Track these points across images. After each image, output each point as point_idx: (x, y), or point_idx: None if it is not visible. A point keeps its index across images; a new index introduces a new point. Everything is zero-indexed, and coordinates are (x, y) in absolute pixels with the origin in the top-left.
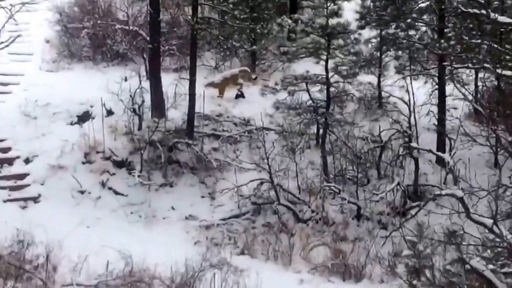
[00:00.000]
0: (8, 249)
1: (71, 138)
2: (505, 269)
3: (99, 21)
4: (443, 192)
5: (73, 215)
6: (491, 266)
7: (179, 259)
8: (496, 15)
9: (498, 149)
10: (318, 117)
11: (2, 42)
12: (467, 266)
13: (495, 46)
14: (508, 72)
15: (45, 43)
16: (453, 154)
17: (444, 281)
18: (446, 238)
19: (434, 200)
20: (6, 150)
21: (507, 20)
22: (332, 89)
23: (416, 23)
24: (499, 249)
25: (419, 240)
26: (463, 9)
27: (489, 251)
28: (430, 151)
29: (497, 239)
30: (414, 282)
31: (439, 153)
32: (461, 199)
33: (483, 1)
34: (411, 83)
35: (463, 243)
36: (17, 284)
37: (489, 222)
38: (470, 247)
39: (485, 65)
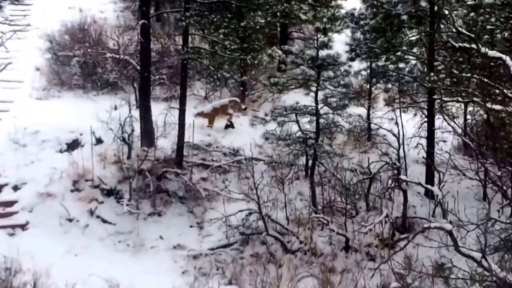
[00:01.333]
0: None
1: (60, 165)
2: None
3: (89, 50)
4: (432, 225)
5: (60, 243)
6: None
7: None
8: (486, 49)
9: (487, 183)
10: (307, 148)
11: None
12: None
13: (485, 80)
14: (497, 106)
15: (35, 70)
16: (442, 187)
17: None
18: (435, 271)
19: (423, 232)
20: None
21: (497, 54)
22: (321, 120)
23: (406, 56)
24: (488, 283)
25: (408, 272)
26: (453, 43)
27: (477, 284)
28: (419, 183)
29: (486, 273)
30: None
31: (428, 186)
32: (450, 232)
33: (473, 36)
34: (400, 115)
35: (452, 276)
36: None
37: (477, 255)
38: (459, 281)
39: (475, 98)
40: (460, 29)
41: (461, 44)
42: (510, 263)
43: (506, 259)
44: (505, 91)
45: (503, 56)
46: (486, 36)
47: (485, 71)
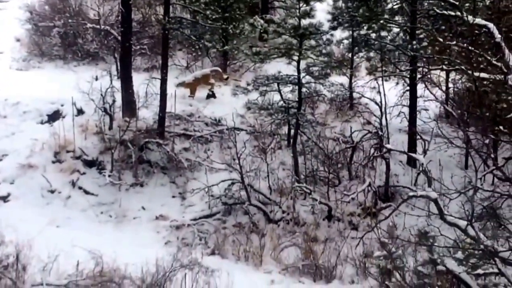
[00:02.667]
0: None
1: (41, 137)
2: (478, 271)
3: (70, 20)
4: (418, 194)
5: (43, 215)
6: (462, 268)
7: (150, 259)
8: (469, 16)
9: (470, 151)
10: (290, 117)
11: None
12: (440, 267)
13: (470, 48)
14: (483, 74)
15: (15, 41)
16: (425, 155)
17: (416, 281)
18: (418, 239)
19: (407, 201)
20: None
21: (482, 22)
22: (303, 89)
23: (388, 25)
24: (472, 251)
25: (391, 241)
26: (436, 10)
27: (460, 253)
28: (404, 152)
29: (472, 241)
30: (386, 282)
31: (413, 154)
32: (435, 201)
33: (456, 3)
34: (382, 84)
35: (435, 244)
36: None
37: (463, 223)
38: (443, 249)
39: (461, 66)
40: None
41: (444, 12)
42: (493, 230)
43: (488, 227)
44: (490, 58)
45: (488, 24)
46: (467, 4)
47: (469, 39)
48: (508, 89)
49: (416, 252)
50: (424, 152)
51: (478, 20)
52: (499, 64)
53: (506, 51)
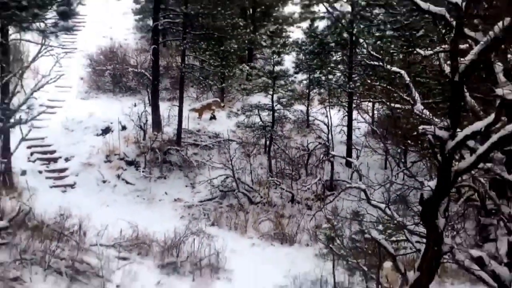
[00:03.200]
0: (53, 220)
1: (97, 144)
2: (392, 238)
3: (117, 65)
4: (352, 185)
5: (97, 198)
6: (382, 236)
7: (170, 229)
8: (388, 65)
9: (388, 156)
10: (266, 133)
11: (51, 79)
12: (367, 236)
13: (388, 87)
14: (397, 105)
15: (79, 79)
16: (358, 159)
17: (350, 245)
18: (352, 217)
19: (345, 190)
20: (52, 152)
21: (396, 69)
22: (276, 114)
23: (333, 71)
24: (388, 225)
25: (334, 217)
26: (366, 61)
27: (381, 226)
28: (343, 157)
29: (388, 218)
30: (330, 246)
31: (349, 158)
32: (364, 190)
33: (380, 56)
34: (329, 111)
35: (364, 220)
36: (59, 244)
37: (382, 206)
38: (369, 223)
39: (382, 100)
40: (371, 52)
41: (371, 62)
42: (403, 211)
43: (400, 208)
44: (402, 94)
45: (401, 71)
46: (387, 58)
47: (387, 81)
48: (414, 115)
49: (351, 225)
50: (357, 157)
51: (394, 68)
52: (408, 98)
53: (413, 89)
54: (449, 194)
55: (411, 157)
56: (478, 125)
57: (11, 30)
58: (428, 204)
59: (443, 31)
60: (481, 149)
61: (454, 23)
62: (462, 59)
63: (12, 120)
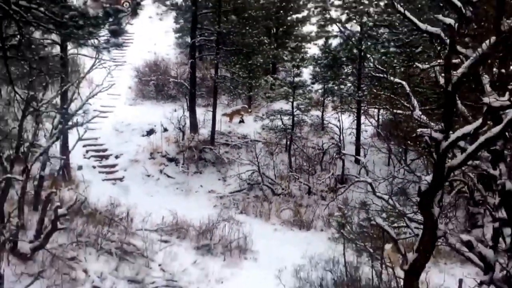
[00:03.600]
0: (105, 208)
1: (142, 144)
2: (394, 225)
3: (160, 76)
4: (361, 179)
5: (142, 189)
6: (385, 223)
7: (204, 216)
8: (391, 77)
9: (390, 155)
10: (287, 134)
11: (104, 88)
12: (372, 222)
13: (391, 95)
14: (399, 111)
15: (128, 88)
16: (365, 156)
17: (358, 230)
18: (360, 206)
19: (354, 183)
20: (104, 150)
21: (398, 80)
22: (295, 118)
23: (344, 81)
24: (391, 213)
25: (345, 207)
26: (373, 73)
27: (384, 214)
28: (353, 155)
29: (391, 208)
30: (341, 231)
31: (358, 156)
32: (370, 184)
33: (384, 69)
34: (341, 116)
35: (370, 209)
36: (110, 228)
37: (386, 197)
38: (374, 212)
39: (386, 106)
40: (377, 65)
41: (377, 74)
42: (403, 202)
43: (401, 199)
44: (403, 102)
45: (402, 82)
46: (391, 70)
47: (391, 90)
48: (413, 120)
49: (359, 213)
50: (364, 155)
51: (397, 80)
52: (408, 105)
53: (412, 98)
54: (443, 187)
55: (410, 156)
56: (468, 128)
57: (69, 46)
58: (425, 195)
59: (438, 48)
60: (470, 148)
61: (448, 41)
62: (454, 72)
63: (70, 123)
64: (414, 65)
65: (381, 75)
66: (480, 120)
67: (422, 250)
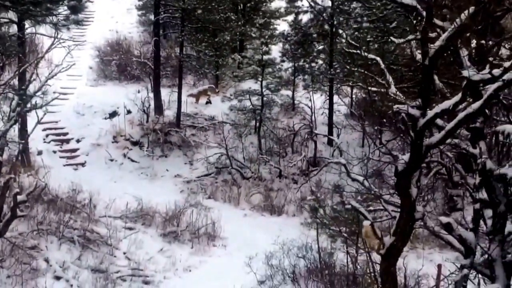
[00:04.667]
0: (66, 194)
1: (105, 127)
2: (370, 208)
3: (122, 56)
4: (334, 160)
5: (106, 175)
6: (361, 206)
7: (171, 201)
8: (365, 53)
9: (365, 135)
10: (256, 115)
11: (63, 68)
12: (347, 206)
13: (365, 72)
14: (373, 88)
15: (89, 68)
16: (338, 137)
17: (332, 214)
18: (333, 189)
19: (328, 165)
20: (65, 134)
21: (372, 56)
22: (265, 98)
23: (315, 59)
24: (369, 196)
25: (318, 190)
26: (346, 49)
27: (359, 197)
28: (326, 135)
29: (367, 190)
30: (314, 215)
31: (331, 137)
32: (344, 165)
33: (357, 45)
34: (312, 95)
35: (345, 191)
36: (72, 216)
37: (361, 178)
38: (349, 195)
39: (359, 84)
40: (350, 41)
41: (350, 50)
42: (379, 184)
43: (376, 182)
44: (377, 78)
45: (377, 58)
46: (364, 47)
47: (364, 68)
48: (388, 98)
49: (332, 197)
50: (338, 135)
51: (371, 56)
52: (383, 82)
53: (387, 74)
54: (421, 166)
55: (385, 136)
56: (447, 103)
57: (27, 24)
58: (402, 175)
59: (414, 21)
60: (449, 125)
61: (424, 13)
62: (432, 45)
63: (28, 105)
64: (389, 40)
65: (355, 51)
66: (459, 95)
67: (399, 233)
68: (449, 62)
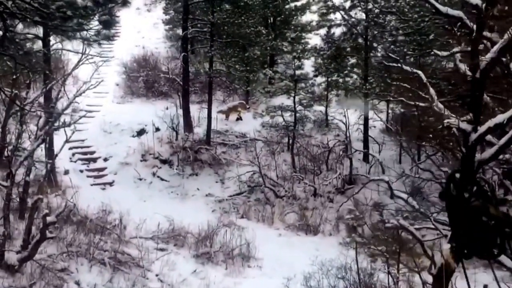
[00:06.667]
0: (96, 215)
1: (133, 145)
2: (415, 226)
3: (150, 72)
4: (377, 178)
5: (135, 194)
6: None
7: (203, 221)
8: (406, 67)
9: (402, 151)
10: (289, 132)
11: (92, 85)
12: (387, 224)
13: (406, 85)
14: (415, 103)
15: (115, 85)
16: (380, 153)
17: (371, 234)
18: (372, 207)
19: (369, 182)
20: (92, 152)
21: (414, 70)
22: (297, 114)
23: (350, 74)
24: (413, 214)
25: (357, 208)
26: (385, 62)
27: (400, 215)
28: (367, 152)
29: (410, 208)
30: (353, 235)
31: (373, 154)
32: (387, 183)
33: (398, 58)
34: (346, 111)
35: (387, 209)
36: (102, 237)
37: (405, 196)
38: (389, 213)
39: (398, 98)
40: (390, 54)
41: (390, 64)
42: (420, 201)
43: (417, 199)
44: (420, 93)
45: (418, 72)
46: (401, 60)
47: (401, 82)
48: (431, 112)
49: (371, 216)
50: (379, 152)
51: (412, 69)
52: (427, 96)
53: (430, 88)
54: (474, 183)
55: (423, 154)
56: (500, 117)
57: (52, 40)
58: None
59: (458, 33)
60: (503, 140)
61: (471, 24)
62: (482, 57)
63: (56, 124)
64: (432, 53)
65: (395, 65)
66: None
67: (452, 252)
68: (496, 75)
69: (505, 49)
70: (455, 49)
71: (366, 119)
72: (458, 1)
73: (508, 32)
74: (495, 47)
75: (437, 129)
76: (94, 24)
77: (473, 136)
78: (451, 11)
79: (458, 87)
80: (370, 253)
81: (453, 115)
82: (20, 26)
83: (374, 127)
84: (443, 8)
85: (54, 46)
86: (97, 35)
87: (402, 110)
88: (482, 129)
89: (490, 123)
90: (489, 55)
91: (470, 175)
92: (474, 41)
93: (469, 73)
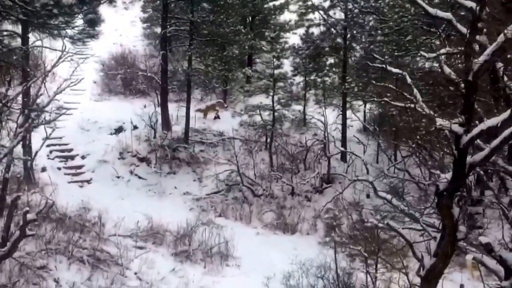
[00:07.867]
0: (75, 213)
1: (111, 143)
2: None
3: (128, 69)
4: (359, 178)
5: (113, 192)
6: (380, 224)
7: (181, 220)
8: (387, 66)
9: (379, 151)
10: (267, 131)
11: (71, 82)
12: (367, 224)
13: (389, 85)
14: (396, 103)
15: (93, 83)
16: (364, 154)
17: (350, 233)
18: (352, 207)
19: (354, 182)
20: (70, 150)
21: (397, 70)
22: (276, 113)
23: (328, 73)
24: (396, 214)
25: (335, 207)
26: (369, 63)
27: (379, 215)
28: (347, 151)
29: (390, 208)
30: (332, 234)
31: (359, 155)
32: (371, 183)
33: (382, 59)
34: (324, 110)
35: (368, 209)
36: (81, 235)
37: (389, 197)
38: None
39: (375, 98)
40: (373, 54)
41: (374, 64)
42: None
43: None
44: (405, 94)
45: (402, 72)
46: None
47: (380, 82)
48: (411, 113)
49: (349, 215)
50: (363, 152)
51: (395, 70)
52: (411, 97)
53: (414, 89)
54: (464, 185)
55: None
56: (494, 120)
57: (31, 37)
58: (444, 194)
59: (443, 35)
60: (494, 142)
61: (458, 26)
62: (475, 60)
63: (36, 121)
64: (419, 54)
65: (379, 65)
66: (507, 113)
67: (441, 254)
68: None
69: (499, 51)
70: (442, 51)
71: (344, 119)
72: (438, 3)
73: (503, 34)
74: (489, 49)
75: (418, 129)
76: (79, 22)
77: (465, 138)
78: (440, 13)
79: (436, 88)
80: (349, 253)
81: (435, 115)
82: None
83: (352, 126)
84: (432, 10)
85: (32, 43)
86: (81, 33)
87: (380, 110)
88: (475, 131)
89: (483, 125)
90: (482, 58)
91: (461, 177)
92: (468, 43)
93: (453, 76)
